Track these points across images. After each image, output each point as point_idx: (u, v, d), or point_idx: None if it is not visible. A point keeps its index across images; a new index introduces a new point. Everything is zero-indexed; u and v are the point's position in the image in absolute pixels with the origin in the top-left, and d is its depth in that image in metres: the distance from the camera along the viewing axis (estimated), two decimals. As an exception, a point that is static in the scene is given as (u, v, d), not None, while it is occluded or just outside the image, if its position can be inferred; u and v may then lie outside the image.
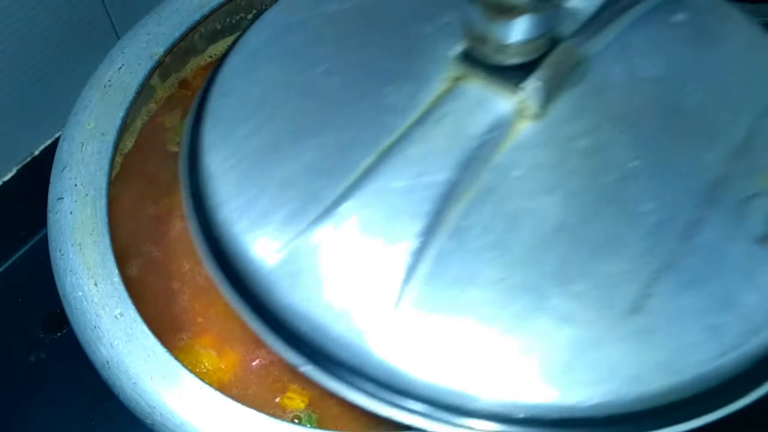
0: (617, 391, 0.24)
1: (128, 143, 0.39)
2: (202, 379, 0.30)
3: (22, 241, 0.52)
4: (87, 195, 0.34)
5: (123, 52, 0.37)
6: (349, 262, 0.27)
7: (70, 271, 0.32)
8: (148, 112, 0.40)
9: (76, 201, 0.34)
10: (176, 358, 0.30)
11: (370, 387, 0.26)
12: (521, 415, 0.25)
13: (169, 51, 0.37)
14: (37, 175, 0.48)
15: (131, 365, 0.30)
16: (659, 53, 0.31)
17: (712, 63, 0.31)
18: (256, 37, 0.33)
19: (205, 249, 0.29)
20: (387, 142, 0.28)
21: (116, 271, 0.32)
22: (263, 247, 0.27)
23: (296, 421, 0.30)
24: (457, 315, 0.26)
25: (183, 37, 0.37)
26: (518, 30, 0.27)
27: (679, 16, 0.32)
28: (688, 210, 0.27)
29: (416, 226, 0.27)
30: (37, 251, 0.52)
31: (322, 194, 0.28)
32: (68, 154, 0.35)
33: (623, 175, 0.28)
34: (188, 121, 0.33)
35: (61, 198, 0.34)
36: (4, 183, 0.51)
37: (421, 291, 0.26)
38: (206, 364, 0.34)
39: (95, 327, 0.31)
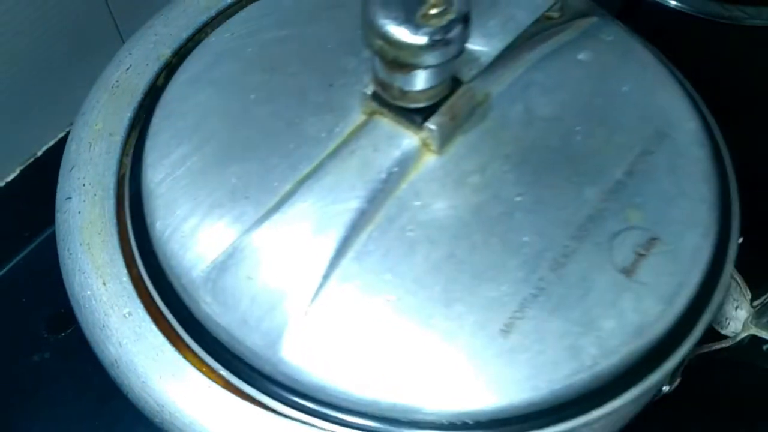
0: (485, 401, 0.28)
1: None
2: (210, 378, 0.30)
3: (26, 242, 0.52)
4: (95, 195, 0.34)
5: (130, 53, 0.37)
6: (264, 280, 0.30)
7: (79, 270, 0.32)
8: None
9: (84, 201, 0.34)
10: (185, 357, 0.31)
11: (281, 392, 0.29)
12: (402, 418, 0.28)
13: (177, 52, 0.37)
14: (40, 175, 0.49)
15: (140, 364, 0.30)
16: (557, 92, 0.34)
17: (605, 102, 0.34)
18: (197, 61, 0.35)
19: (141, 261, 0.32)
20: (305, 170, 0.31)
21: (125, 271, 0.32)
22: (190, 262, 0.30)
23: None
24: (355, 330, 0.29)
25: (190, 39, 0.37)
26: (415, 81, 0.29)
27: (583, 55, 0.35)
28: (561, 242, 0.30)
29: (325, 250, 0.29)
30: (40, 252, 0.52)
31: (243, 218, 0.30)
32: (76, 154, 0.35)
33: (508, 210, 0.30)
34: (134, 138, 0.35)
35: (70, 198, 0.34)
36: (7, 183, 0.51)
37: (325, 309, 0.29)
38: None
39: (104, 326, 0.31)
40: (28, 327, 0.49)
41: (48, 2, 0.46)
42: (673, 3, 0.53)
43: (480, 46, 0.32)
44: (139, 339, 0.31)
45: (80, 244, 0.33)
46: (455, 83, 0.31)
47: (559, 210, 0.30)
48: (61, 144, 0.36)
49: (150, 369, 0.30)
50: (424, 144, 0.31)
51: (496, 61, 0.33)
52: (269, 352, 0.29)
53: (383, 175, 0.31)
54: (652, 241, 0.30)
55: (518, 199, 0.31)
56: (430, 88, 0.30)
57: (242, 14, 0.37)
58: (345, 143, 0.31)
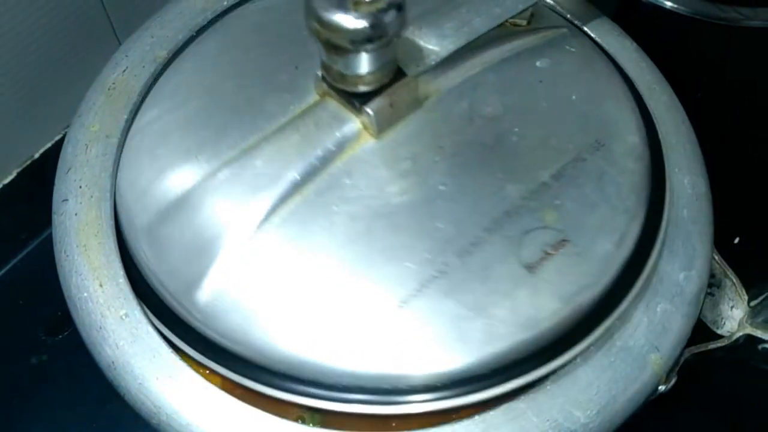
0: (376, 368, 0.29)
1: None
2: (207, 380, 0.30)
3: (23, 244, 0.52)
4: (92, 197, 0.34)
5: (127, 55, 0.37)
6: (194, 232, 0.32)
7: (75, 272, 0.32)
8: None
9: (80, 203, 0.34)
10: (182, 358, 0.31)
11: (196, 339, 0.31)
12: (303, 376, 0.30)
13: (173, 54, 0.37)
14: (37, 178, 0.49)
15: (137, 366, 0.31)
16: (505, 94, 0.35)
17: (550, 108, 0.35)
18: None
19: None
20: (252, 141, 0.33)
21: (122, 272, 0.32)
22: (137, 211, 0.33)
23: (300, 420, 0.30)
24: (266, 288, 0.31)
25: (187, 41, 0.38)
26: (350, 65, 0.31)
27: (541, 62, 0.36)
28: (473, 232, 0.31)
29: (253, 214, 0.31)
30: (37, 254, 0.52)
31: (189, 176, 0.33)
32: (73, 155, 0.35)
33: (430, 197, 0.32)
34: None
35: (66, 200, 0.34)
36: (4, 186, 0.51)
37: (240, 267, 0.31)
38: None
39: (100, 328, 0.31)
40: (26, 329, 0.49)
41: (44, 5, 0.46)
42: (669, 4, 0.53)
43: (432, 45, 0.34)
44: (136, 341, 0.31)
45: (77, 246, 0.33)
46: (400, 74, 0.33)
47: (477, 202, 0.32)
48: (58, 146, 0.36)
49: (147, 370, 0.30)
50: (365, 127, 0.33)
51: (453, 58, 0.34)
52: (186, 297, 0.31)
53: (320, 152, 0.32)
54: (562, 242, 0.31)
55: (442, 188, 0.32)
56: (368, 73, 0.31)
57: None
58: (293, 120, 0.33)
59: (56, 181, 0.35)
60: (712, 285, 0.38)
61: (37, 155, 0.52)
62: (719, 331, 0.38)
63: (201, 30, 0.38)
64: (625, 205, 0.32)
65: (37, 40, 0.47)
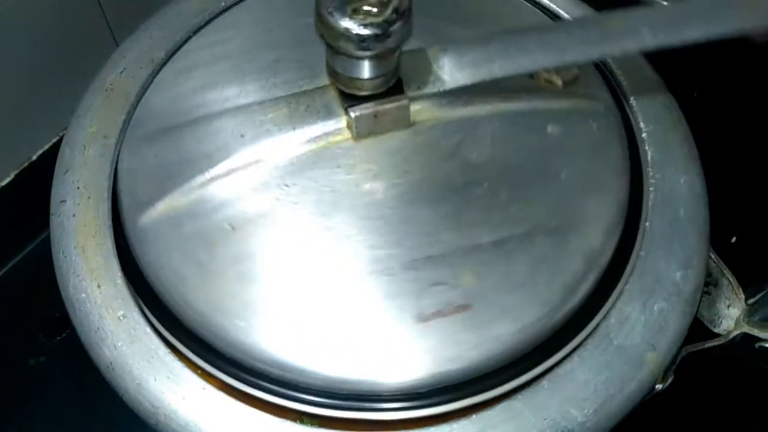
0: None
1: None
2: (205, 380, 0.30)
3: (21, 246, 0.53)
4: (89, 198, 0.34)
5: (125, 56, 0.38)
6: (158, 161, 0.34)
7: (73, 273, 0.32)
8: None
9: (78, 204, 0.34)
10: (179, 359, 0.31)
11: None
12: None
13: (171, 55, 0.37)
14: (36, 180, 0.49)
15: (135, 366, 0.31)
16: (498, 146, 0.33)
17: (532, 176, 0.33)
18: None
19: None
20: (248, 101, 0.34)
21: (119, 273, 0.32)
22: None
23: (299, 421, 0.30)
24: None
25: (184, 41, 0.38)
26: (347, 66, 0.31)
27: (553, 128, 0.34)
28: (389, 263, 0.31)
29: (202, 171, 0.33)
30: (35, 256, 0.52)
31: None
32: (70, 157, 0.35)
33: (370, 214, 0.32)
34: None
35: (64, 201, 0.34)
36: (2, 188, 0.51)
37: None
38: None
39: (98, 329, 0.31)
40: (24, 331, 0.49)
41: (42, 7, 0.46)
42: (665, 4, 0.53)
43: (443, 72, 0.33)
44: (134, 341, 0.31)
45: (74, 247, 0.33)
46: (397, 89, 0.32)
47: (409, 236, 0.31)
48: (56, 148, 0.36)
49: (145, 371, 0.30)
50: (348, 127, 0.33)
51: (467, 91, 0.33)
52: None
53: (296, 133, 0.33)
54: (463, 307, 0.30)
55: (387, 210, 0.32)
56: (360, 79, 0.31)
57: None
58: (293, 95, 0.34)
59: (54, 182, 0.35)
60: (709, 284, 0.38)
61: (34, 157, 0.52)
62: (716, 330, 0.38)
63: (197, 30, 0.38)
64: (544, 297, 0.31)
65: (34, 42, 0.47)
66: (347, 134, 0.33)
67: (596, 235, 0.32)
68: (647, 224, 0.33)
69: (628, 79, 0.38)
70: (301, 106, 0.33)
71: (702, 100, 0.52)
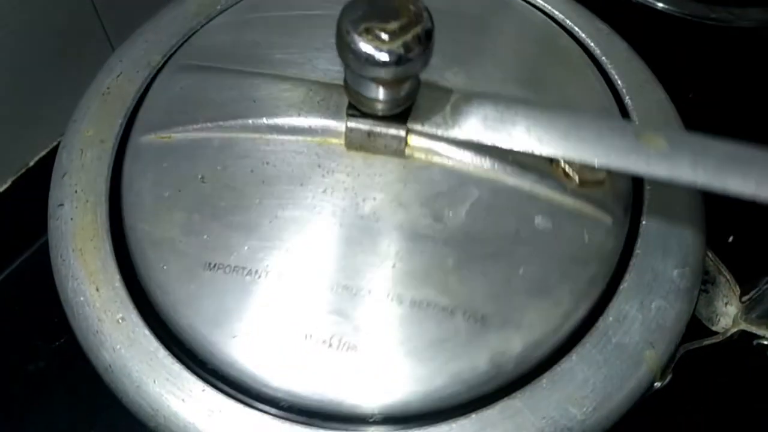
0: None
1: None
2: (205, 382, 0.30)
3: (19, 252, 0.53)
4: (87, 201, 0.34)
5: (121, 60, 0.38)
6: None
7: (72, 276, 0.32)
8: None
9: (76, 207, 0.34)
10: (178, 360, 0.31)
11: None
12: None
13: (167, 58, 0.37)
14: (33, 185, 0.49)
15: (134, 369, 0.31)
16: (479, 218, 0.32)
17: (489, 258, 0.31)
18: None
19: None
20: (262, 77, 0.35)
21: (118, 276, 0.32)
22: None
23: (298, 422, 0.30)
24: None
25: (180, 45, 0.38)
26: (354, 80, 0.31)
27: (542, 222, 0.32)
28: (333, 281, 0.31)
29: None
30: (33, 261, 0.52)
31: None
32: (68, 161, 0.35)
33: (322, 226, 0.32)
34: None
35: (62, 204, 0.34)
36: (0, 195, 0.51)
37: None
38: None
39: (97, 332, 0.31)
40: (23, 336, 0.49)
41: (36, 11, 0.47)
42: (660, 5, 0.53)
43: (457, 120, 0.31)
44: (133, 344, 0.31)
45: (73, 251, 0.33)
46: (402, 117, 0.32)
47: (344, 260, 0.31)
48: (53, 154, 0.36)
49: (144, 373, 0.30)
50: (341, 132, 0.33)
51: (476, 146, 0.32)
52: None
53: (300, 118, 0.33)
54: (351, 346, 0.30)
55: (336, 227, 0.31)
56: (364, 97, 0.31)
57: None
58: (315, 82, 0.34)
59: (51, 187, 0.35)
60: (707, 282, 0.38)
61: (32, 163, 0.52)
62: (714, 328, 0.38)
63: (194, 34, 0.38)
64: (454, 372, 0.30)
65: (30, 47, 0.48)
66: (338, 140, 0.33)
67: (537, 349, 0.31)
68: (643, 223, 0.34)
69: (622, 79, 0.38)
70: (315, 95, 0.34)
71: (697, 100, 0.52)
